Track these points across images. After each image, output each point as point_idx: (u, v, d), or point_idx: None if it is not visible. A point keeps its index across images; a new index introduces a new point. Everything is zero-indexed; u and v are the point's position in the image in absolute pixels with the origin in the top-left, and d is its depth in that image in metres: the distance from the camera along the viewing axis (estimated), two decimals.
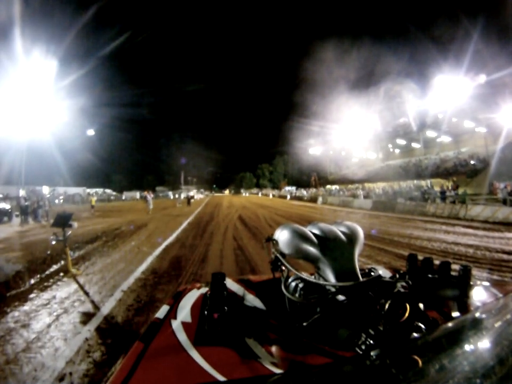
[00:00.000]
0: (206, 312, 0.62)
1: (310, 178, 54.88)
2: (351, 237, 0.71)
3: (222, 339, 0.57)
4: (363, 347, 0.51)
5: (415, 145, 34.78)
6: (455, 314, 0.69)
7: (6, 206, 13.78)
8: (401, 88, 29.07)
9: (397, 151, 39.35)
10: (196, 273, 4.64)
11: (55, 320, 3.01)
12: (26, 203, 13.86)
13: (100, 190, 46.46)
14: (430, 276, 0.75)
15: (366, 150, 41.64)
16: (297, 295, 0.62)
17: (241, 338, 0.58)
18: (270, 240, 0.75)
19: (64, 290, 3.94)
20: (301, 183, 59.39)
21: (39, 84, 24.14)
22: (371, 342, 0.51)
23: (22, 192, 21.72)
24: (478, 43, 21.35)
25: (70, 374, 2.15)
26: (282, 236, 0.71)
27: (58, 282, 4.27)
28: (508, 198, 12.27)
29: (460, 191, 16.49)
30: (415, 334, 0.53)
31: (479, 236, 7.91)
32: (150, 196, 17.89)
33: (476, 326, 0.49)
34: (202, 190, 74.67)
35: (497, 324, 0.48)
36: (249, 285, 0.85)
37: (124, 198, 44.32)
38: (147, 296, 3.64)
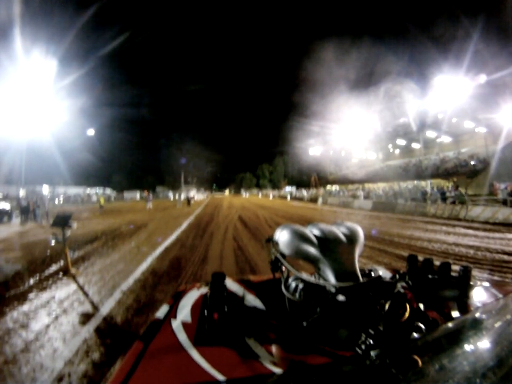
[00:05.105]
0: (206, 312, 0.62)
1: (310, 178, 54.83)
2: (351, 238, 0.70)
3: (222, 339, 0.57)
4: (363, 347, 0.51)
5: (415, 145, 34.79)
6: (455, 314, 0.69)
7: (6, 206, 13.79)
8: (401, 88, 29.06)
9: (397, 151, 39.37)
10: (195, 274, 4.63)
11: (54, 321, 3.01)
12: (26, 203, 13.87)
13: (99, 190, 46.52)
14: (430, 276, 0.75)
15: (366, 150, 41.68)
16: (297, 295, 0.62)
17: (241, 338, 0.58)
18: (270, 240, 0.75)
19: (63, 290, 3.93)
20: (301, 183, 59.30)
21: (39, 83, 24.17)
22: (371, 342, 0.51)
23: (22, 192, 21.77)
24: (478, 43, 21.38)
25: (69, 374, 2.15)
26: (282, 236, 0.70)
27: (58, 283, 4.26)
28: (508, 198, 12.23)
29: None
30: (415, 334, 0.53)
31: (480, 236, 7.90)
32: (150, 196, 21.14)
33: (476, 326, 0.49)
34: (202, 189, 74.56)
35: (497, 324, 0.48)
36: (249, 285, 0.84)
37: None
38: (146, 297, 3.64)
